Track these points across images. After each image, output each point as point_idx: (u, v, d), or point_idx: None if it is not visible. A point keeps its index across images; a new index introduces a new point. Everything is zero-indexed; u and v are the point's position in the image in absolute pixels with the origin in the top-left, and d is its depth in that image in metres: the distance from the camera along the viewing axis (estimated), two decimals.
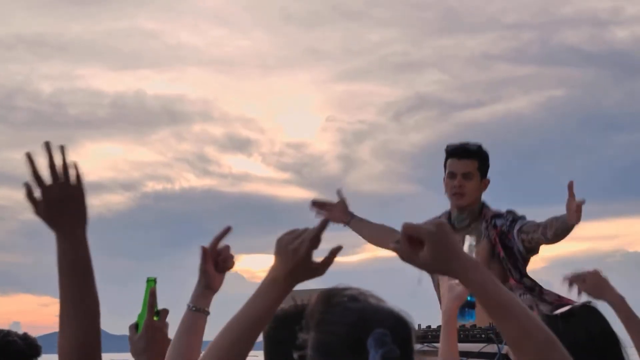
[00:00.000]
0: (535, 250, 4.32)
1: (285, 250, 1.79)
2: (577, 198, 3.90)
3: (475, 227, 4.34)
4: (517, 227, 4.30)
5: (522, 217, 4.35)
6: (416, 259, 1.64)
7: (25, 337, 3.11)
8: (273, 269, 1.81)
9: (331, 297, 1.68)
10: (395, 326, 1.62)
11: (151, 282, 2.53)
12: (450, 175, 4.33)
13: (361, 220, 4.60)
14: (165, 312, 2.52)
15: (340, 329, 1.62)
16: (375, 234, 4.57)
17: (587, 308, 2.78)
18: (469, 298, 2.71)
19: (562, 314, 2.70)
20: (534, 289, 4.28)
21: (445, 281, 2.76)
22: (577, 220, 4.06)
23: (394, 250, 1.67)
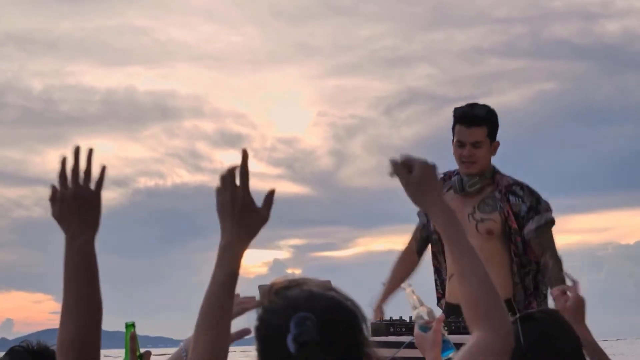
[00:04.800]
0: None
1: (223, 204, 1.81)
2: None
3: (488, 194, 4.29)
4: (532, 226, 4.24)
5: (539, 211, 4.26)
6: (405, 175, 1.94)
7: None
8: (222, 237, 1.82)
9: (272, 287, 1.70)
10: (325, 312, 1.61)
11: (130, 327, 2.58)
12: (459, 144, 4.24)
13: (386, 291, 4.53)
14: (148, 354, 2.56)
15: (270, 316, 1.64)
16: (399, 273, 4.54)
17: (550, 315, 2.59)
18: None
19: (522, 316, 2.55)
20: (525, 266, 4.29)
21: (417, 336, 2.77)
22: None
23: (394, 169, 1.94)
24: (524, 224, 4.24)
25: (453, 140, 4.29)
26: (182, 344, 2.45)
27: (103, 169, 2.07)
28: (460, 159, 4.27)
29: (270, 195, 1.86)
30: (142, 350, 2.56)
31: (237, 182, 1.82)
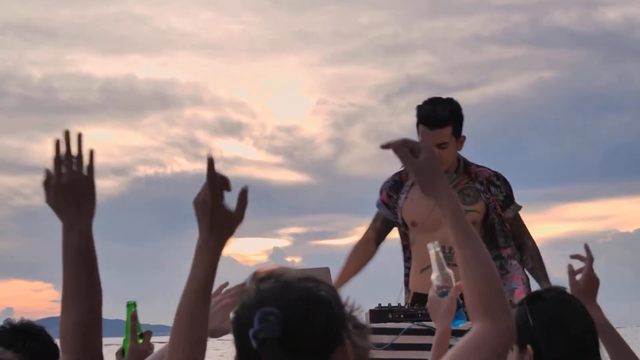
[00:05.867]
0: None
1: (197, 207, 1.80)
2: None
3: (465, 185, 4.32)
4: (512, 212, 4.35)
5: (513, 199, 4.38)
6: (412, 160, 1.89)
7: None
8: (199, 237, 1.82)
9: (254, 277, 1.69)
10: (292, 305, 1.58)
11: (131, 306, 2.59)
12: None
13: (339, 280, 4.46)
14: (148, 333, 2.57)
15: (241, 309, 1.62)
16: (359, 264, 4.56)
17: (560, 294, 2.47)
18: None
19: (529, 296, 2.46)
20: (514, 256, 4.33)
21: (432, 299, 2.74)
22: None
23: (394, 146, 1.87)
24: (503, 212, 4.33)
25: (418, 137, 4.26)
26: None
27: (92, 154, 2.05)
28: None
29: (243, 194, 1.82)
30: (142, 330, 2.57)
31: (207, 187, 1.79)
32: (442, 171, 1.91)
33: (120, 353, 2.59)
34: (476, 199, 4.31)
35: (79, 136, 2.04)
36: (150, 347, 2.55)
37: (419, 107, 4.25)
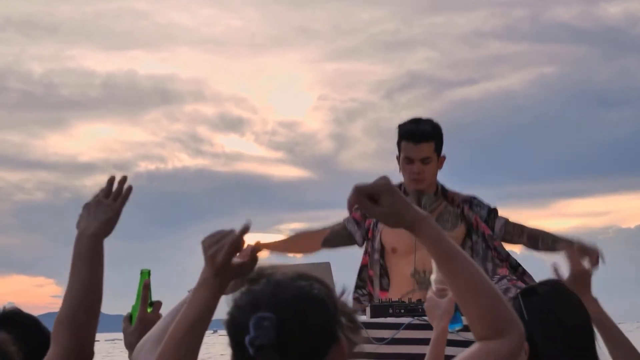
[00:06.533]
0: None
1: (205, 255, 1.78)
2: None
3: (443, 210, 4.32)
4: (500, 222, 4.36)
5: (496, 210, 4.40)
6: (374, 208, 1.76)
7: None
8: (203, 270, 1.80)
9: (244, 280, 1.69)
10: (286, 307, 1.57)
11: (145, 275, 2.55)
12: (408, 161, 4.24)
13: (276, 245, 4.44)
14: (158, 304, 2.54)
15: (235, 313, 1.61)
16: (296, 247, 4.48)
17: (554, 287, 2.45)
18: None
19: (523, 290, 2.44)
20: (517, 268, 4.31)
21: (431, 299, 2.71)
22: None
23: (352, 202, 1.74)
24: (493, 225, 4.34)
25: (399, 157, 4.29)
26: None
27: (129, 189, 2.38)
28: (410, 176, 4.26)
29: (254, 252, 1.79)
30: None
31: (226, 249, 1.76)
32: (406, 202, 1.77)
33: (128, 319, 2.54)
34: (455, 224, 4.32)
35: (123, 179, 2.39)
36: (159, 317, 2.51)
37: (401, 126, 4.30)
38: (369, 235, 4.36)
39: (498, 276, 4.23)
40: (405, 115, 4.28)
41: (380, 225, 4.32)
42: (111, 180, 2.40)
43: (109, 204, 2.36)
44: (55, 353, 2.17)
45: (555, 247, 4.24)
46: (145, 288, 2.53)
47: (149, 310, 2.52)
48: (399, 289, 4.26)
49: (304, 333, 1.57)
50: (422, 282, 4.15)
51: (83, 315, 2.11)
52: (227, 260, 1.76)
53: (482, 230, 4.31)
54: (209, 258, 1.77)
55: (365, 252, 4.41)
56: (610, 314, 2.66)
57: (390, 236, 4.28)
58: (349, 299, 1.90)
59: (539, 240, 4.33)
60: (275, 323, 1.54)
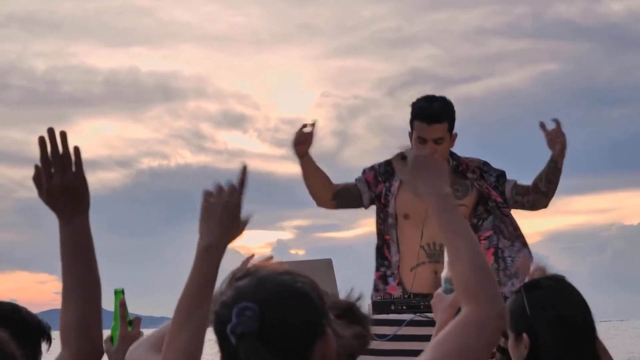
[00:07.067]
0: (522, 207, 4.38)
1: (213, 206, 1.84)
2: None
3: (454, 180, 4.27)
4: (510, 184, 4.35)
5: (504, 173, 4.40)
6: (399, 164, 1.96)
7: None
8: (204, 236, 1.84)
9: (232, 275, 1.72)
10: (269, 299, 1.58)
11: (119, 294, 2.61)
12: (421, 141, 4.21)
13: (312, 160, 4.36)
14: (137, 320, 2.59)
15: (220, 308, 1.62)
16: (319, 178, 4.41)
17: (557, 282, 2.44)
18: None
19: (526, 284, 2.44)
20: (526, 243, 4.31)
21: (438, 295, 2.72)
22: (561, 148, 4.17)
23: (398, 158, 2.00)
24: (503, 189, 4.34)
25: (411, 134, 4.26)
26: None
27: (77, 151, 2.05)
28: None
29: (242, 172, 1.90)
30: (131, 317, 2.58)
31: (234, 191, 1.87)
32: (430, 173, 1.94)
33: (109, 340, 2.58)
34: (465, 192, 4.33)
35: (63, 135, 2.04)
36: (139, 333, 2.56)
37: (414, 104, 4.26)
38: (382, 200, 4.36)
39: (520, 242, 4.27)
40: (408, 113, 4.26)
41: (394, 189, 4.34)
42: (52, 137, 2.04)
43: (64, 173, 2.05)
44: (67, 355, 2.12)
45: (550, 167, 4.24)
46: (122, 306, 2.59)
47: (129, 328, 2.57)
48: (409, 261, 4.27)
49: (287, 324, 1.57)
50: (431, 254, 4.20)
51: (90, 314, 2.08)
52: (242, 201, 1.86)
53: (493, 198, 4.31)
54: (223, 205, 1.85)
55: (378, 216, 4.40)
56: (613, 310, 2.66)
57: (403, 202, 4.30)
58: (363, 304, 1.93)
59: (541, 181, 4.28)
60: (258, 312, 1.55)
